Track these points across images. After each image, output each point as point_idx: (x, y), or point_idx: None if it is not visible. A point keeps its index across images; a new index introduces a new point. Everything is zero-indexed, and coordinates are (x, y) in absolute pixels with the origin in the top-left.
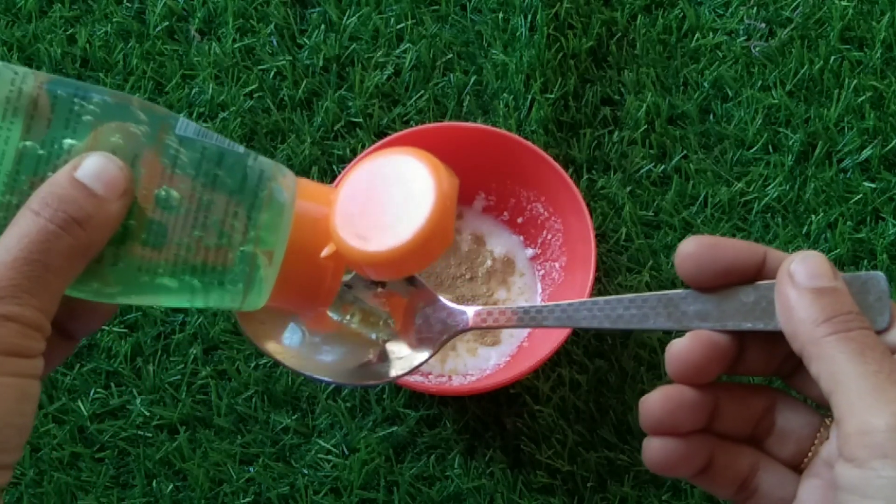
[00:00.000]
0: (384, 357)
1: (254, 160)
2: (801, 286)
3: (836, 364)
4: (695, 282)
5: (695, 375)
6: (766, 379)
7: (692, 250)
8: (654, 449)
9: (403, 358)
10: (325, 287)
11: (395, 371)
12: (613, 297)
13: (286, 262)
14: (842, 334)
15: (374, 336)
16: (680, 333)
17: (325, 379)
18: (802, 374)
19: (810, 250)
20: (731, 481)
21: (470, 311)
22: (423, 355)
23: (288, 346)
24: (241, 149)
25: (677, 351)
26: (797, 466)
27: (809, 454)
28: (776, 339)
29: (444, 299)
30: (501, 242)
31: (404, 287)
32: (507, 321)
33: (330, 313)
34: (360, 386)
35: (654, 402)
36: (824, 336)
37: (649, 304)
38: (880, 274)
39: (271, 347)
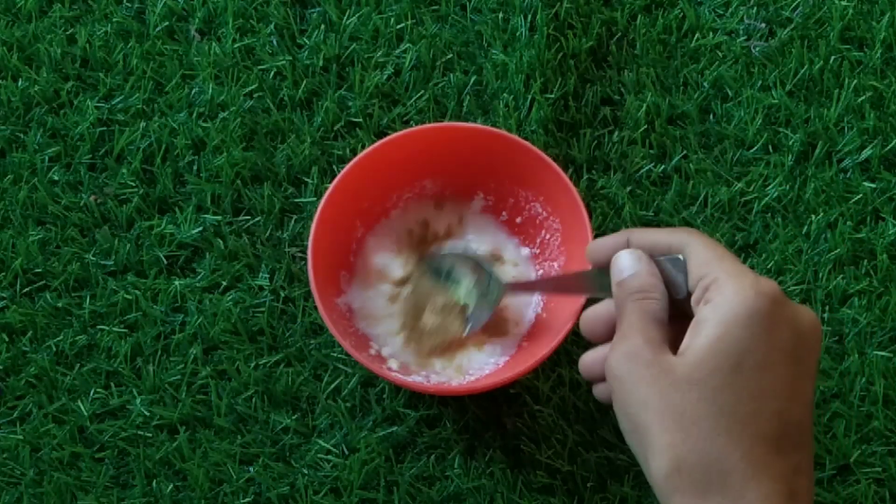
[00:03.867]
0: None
1: None
2: (615, 279)
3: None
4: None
5: (591, 336)
6: None
7: (586, 251)
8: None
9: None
10: None
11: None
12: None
13: None
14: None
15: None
16: None
17: None
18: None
19: (624, 251)
20: None
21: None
22: (484, 317)
23: None
24: None
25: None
26: None
27: None
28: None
29: (492, 272)
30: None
31: (478, 271)
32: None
33: (428, 314)
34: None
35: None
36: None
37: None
38: (679, 256)
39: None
